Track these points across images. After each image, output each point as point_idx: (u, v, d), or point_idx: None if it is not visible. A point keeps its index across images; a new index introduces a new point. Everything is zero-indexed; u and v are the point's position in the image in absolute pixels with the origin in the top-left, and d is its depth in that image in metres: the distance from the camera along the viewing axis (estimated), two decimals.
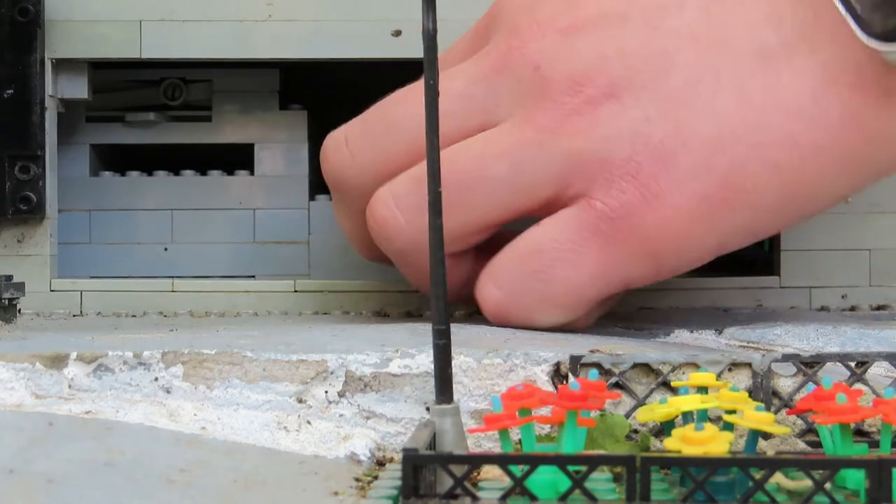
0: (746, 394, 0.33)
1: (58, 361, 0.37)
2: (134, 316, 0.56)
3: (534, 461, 0.28)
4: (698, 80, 0.45)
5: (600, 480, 0.31)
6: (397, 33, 0.56)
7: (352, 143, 0.50)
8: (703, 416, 0.33)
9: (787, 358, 0.36)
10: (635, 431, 0.36)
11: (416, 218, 0.48)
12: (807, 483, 0.30)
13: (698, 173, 0.45)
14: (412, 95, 0.49)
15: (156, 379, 0.37)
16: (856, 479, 0.31)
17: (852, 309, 0.58)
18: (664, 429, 0.34)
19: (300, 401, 0.36)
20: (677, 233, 0.46)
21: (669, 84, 0.46)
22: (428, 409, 0.36)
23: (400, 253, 0.49)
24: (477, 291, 0.48)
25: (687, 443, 0.29)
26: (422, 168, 0.47)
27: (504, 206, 0.47)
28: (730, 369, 0.37)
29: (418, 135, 0.47)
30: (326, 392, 0.37)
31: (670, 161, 0.45)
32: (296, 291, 0.57)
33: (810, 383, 0.36)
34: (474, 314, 0.56)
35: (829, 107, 0.44)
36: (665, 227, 0.45)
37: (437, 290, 0.32)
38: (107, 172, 0.61)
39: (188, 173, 0.61)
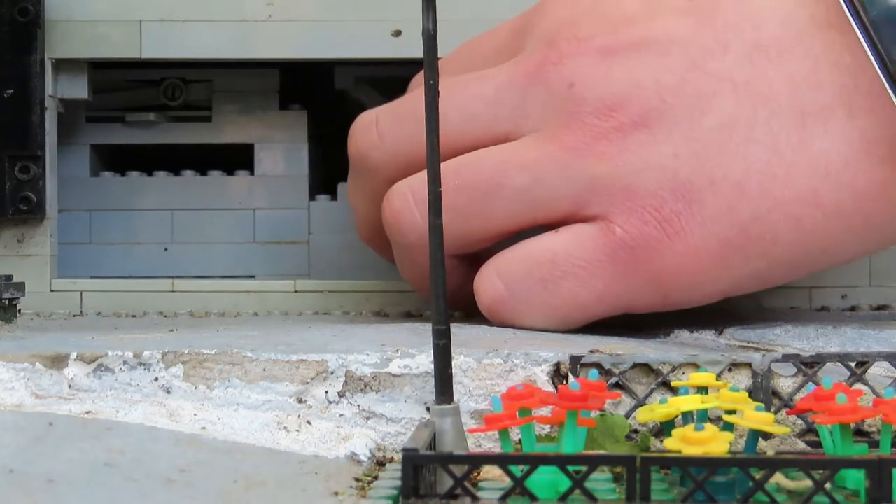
0: (746, 394, 0.33)
1: (58, 361, 0.37)
2: (134, 316, 0.56)
3: (534, 461, 0.28)
4: (732, 125, 0.45)
5: (600, 480, 0.31)
6: (397, 33, 0.56)
7: (381, 125, 0.51)
8: (703, 416, 0.33)
9: (787, 358, 0.36)
10: (635, 431, 0.36)
11: (424, 211, 0.48)
12: (807, 483, 0.30)
13: (721, 217, 0.45)
14: (449, 91, 0.48)
15: (156, 379, 0.37)
16: (856, 479, 0.31)
17: (852, 309, 0.58)
18: (664, 429, 0.34)
19: (300, 401, 0.36)
20: (692, 272, 0.46)
21: (703, 124, 0.46)
22: (428, 409, 0.36)
23: (410, 248, 0.49)
24: (478, 282, 0.48)
25: (687, 443, 0.29)
26: (448, 169, 0.47)
27: (520, 217, 0.47)
28: (730, 369, 0.37)
29: (445, 129, 0.48)
30: (326, 392, 0.37)
31: (695, 201, 0.45)
32: (296, 291, 0.57)
33: (810, 383, 0.36)
34: (474, 315, 0.56)
35: (858, 173, 0.45)
36: (681, 265, 0.46)
37: (437, 290, 0.32)
38: (107, 172, 0.61)
39: (188, 173, 0.61)
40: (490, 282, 0.48)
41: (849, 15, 0.44)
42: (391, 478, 0.32)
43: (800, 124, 0.45)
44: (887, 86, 0.44)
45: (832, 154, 0.45)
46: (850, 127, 0.45)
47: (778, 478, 0.31)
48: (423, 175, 0.48)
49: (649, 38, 0.47)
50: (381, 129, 0.50)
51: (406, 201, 0.48)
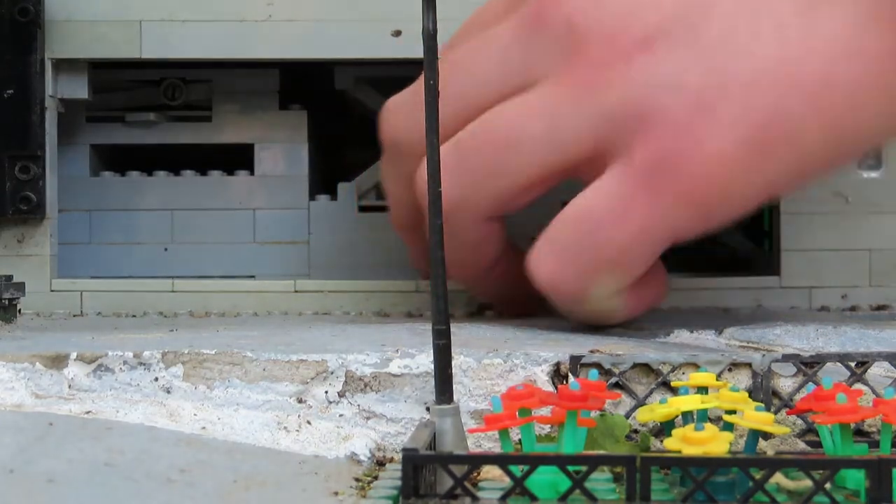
0: (746, 394, 0.33)
1: (58, 361, 0.37)
2: (134, 316, 0.56)
3: (534, 461, 0.28)
4: (736, 25, 0.45)
5: (600, 480, 0.31)
6: (397, 33, 0.56)
7: (406, 106, 0.50)
8: (703, 416, 0.33)
9: (787, 358, 0.36)
10: (635, 431, 0.36)
11: (459, 180, 0.47)
12: (807, 483, 0.30)
13: (739, 118, 0.44)
14: (459, 63, 0.49)
15: (156, 379, 0.37)
16: (856, 479, 0.31)
17: (852, 309, 0.58)
18: (664, 429, 0.34)
19: (300, 401, 0.36)
20: (722, 179, 0.45)
21: (707, 33, 0.45)
22: (428, 409, 0.36)
23: (444, 221, 0.49)
24: (531, 263, 0.47)
25: (687, 443, 0.29)
26: (467, 132, 0.48)
27: (547, 166, 0.47)
28: (730, 369, 0.37)
29: (465, 103, 0.48)
30: (326, 392, 0.37)
31: (709, 108, 0.44)
32: (296, 291, 0.57)
33: (810, 383, 0.36)
34: (474, 314, 0.56)
35: (870, 44, 0.44)
36: (709, 174, 0.45)
37: (437, 290, 0.32)
38: (107, 172, 0.61)
39: (188, 173, 0.61)
40: (541, 258, 0.47)
41: None
42: (391, 478, 0.32)
43: (803, 9, 0.44)
44: None
45: (841, 29, 0.44)
46: (853, 2, 0.44)
47: (778, 478, 0.31)
48: (445, 146, 0.47)
49: None
50: (406, 111, 0.50)
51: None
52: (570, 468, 0.28)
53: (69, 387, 0.37)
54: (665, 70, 0.45)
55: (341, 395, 0.37)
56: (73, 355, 0.37)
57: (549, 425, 0.36)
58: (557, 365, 0.37)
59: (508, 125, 0.47)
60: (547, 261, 0.47)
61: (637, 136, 0.45)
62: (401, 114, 0.51)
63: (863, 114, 0.45)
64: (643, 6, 0.46)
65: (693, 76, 0.45)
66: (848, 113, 0.45)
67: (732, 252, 0.62)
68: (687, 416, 0.33)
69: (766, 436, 0.34)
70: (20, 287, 0.49)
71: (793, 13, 0.44)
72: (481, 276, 0.52)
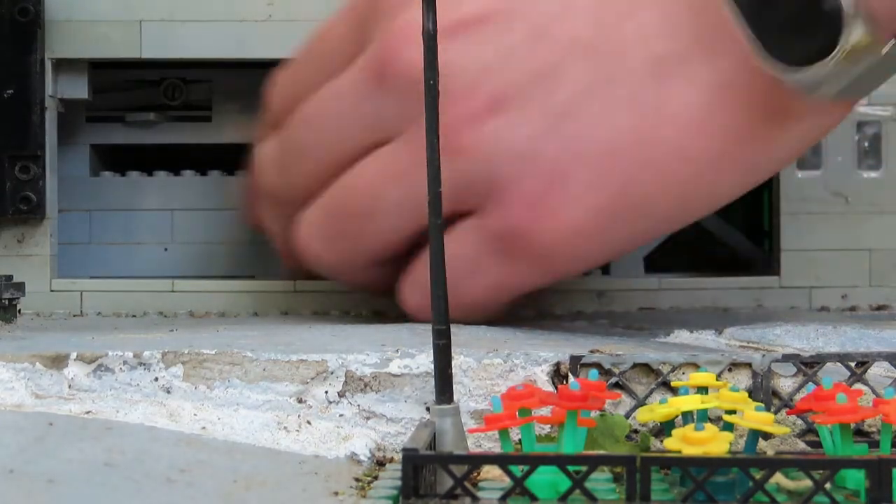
0: (746, 394, 0.33)
1: (58, 361, 0.37)
2: (134, 316, 0.56)
3: (534, 461, 0.28)
4: (589, 92, 0.44)
5: (600, 480, 0.31)
6: None
7: (273, 164, 0.51)
8: (703, 416, 0.33)
9: (787, 358, 0.36)
10: (635, 431, 0.36)
11: (332, 245, 0.48)
12: (807, 483, 0.30)
13: (592, 188, 0.44)
14: (313, 119, 0.49)
15: (156, 379, 0.37)
16: (856, 479, 0.31)
17: (852, 309, 0.58)
18: (664, 429, 0.34)
19: (300, 401, 0.36)
20: (574, 246, 0.45)
21: (559, 97, 0.44)
22: (428, 409, 0.36)
23: (327, 274, 0.50)
24: (400, 294, 0.49)
25: (687, 443, 0.29)
26: (329, 196, 0.48)
27: (410, 225, 0.47)
28: (730, 369, 0.37)
29: (328, 159, 0.48)
30: (326, 392, 0.37)
31: (563, 177, 0.44)
32: (296, 291, 0.57)
33: (810, 383, 0.36)
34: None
35: (724, 119, 0.44)
36: (560, 241, 0.45)
37: (437, 290, 0.32)
38: (107, 172, 0.61)
39: (188, 173, 0.61)
40: (409, 293, 0.48)
41: None
42: (391, 478, 0.32)
43: (659, 78, 0.44)
44: (741, 26, 0.41)
45: (695, 104, 0.44)
46: (709, 73, 0.43)
47: (778, 478, 0.31)
48: (314, 209, 0.49)
49: (489, 11, 0.45)
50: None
51: (306, 236, 0.49)
52: (570, 468, 0.28)
53: (69, 387, 0.37)
54: (517, 136, 0.44)
55: (341, 395, 0.37)
56: (73, 355, 0.37)
57: (549, 425, 0.36)
58: (557, 365, 0.37)
59: (368, 193, 0.47)
60: (413, 296, 0.48)
61: (490, 202, 0.45)
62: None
63: (714, 184, 0.45)
64: (491, 66, 0.45)
65: (547, 144, 0.44)
66: (700, 184, 0.45)
67: (732, 252, 0.62)
68: (687, 416, 0.33)
69: (766, 436, 0.34)
70: (20, 287, 0.49)
71: (647, 84, 0.44)
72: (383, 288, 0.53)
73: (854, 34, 0.40)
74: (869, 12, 0.40)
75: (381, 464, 0.35)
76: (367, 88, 0.46)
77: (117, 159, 0.62)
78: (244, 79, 0.60)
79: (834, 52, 0.40)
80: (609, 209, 0.45)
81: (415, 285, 0.48)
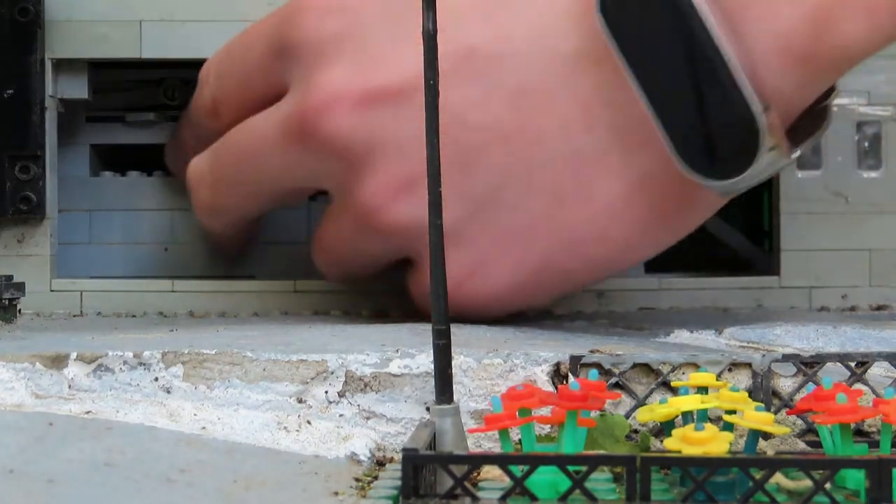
0: (746, 394, 0.33)
1: (58, 361, 0.37)
2: (134, 316, 0.56)
3: (534, 461, 0.28)
4: (509, 179, 0.45)
5: (600, 480, 0.31)
6: None
7: (208, 184, 0.52)
8: (703, 416, 0.33)
9: (787, 358, 0.36)
10: (635, 431, 0.36)
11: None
12: (807, 483, 0.30)
13: (511, 270, 0.46)
14: (241, 156, 0.50)
15: (156, 379, 0.37)
16: (856, 479, 0.31)
17: (852, 309, 0.58)
18: (664, 429, 0.34)
19: (300, 401, 0.36)
20: (488, 307, 0.48)
21: (478, 183, 0.45)
22: (428, 409, 0.36)
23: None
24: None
25: (687, 443, 0.29)
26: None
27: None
28: (730, 369, 0.37)
29: (258, 190, 0.51)
30: (326, 392, 0.37)
31: (484, 262, 0.46)
32: (296, 291, 0.57)
33: (810, 383, 0.36)
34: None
35: (640, 208, 0.45)
36: (478, 304, 0.47)
37: (437, 290, 0.32)
38: (107, 172, 0.61)
39: None
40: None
41: (613, 48, 0.43)
42: (391, 478, 0.32)
43: (578, 168, 0.45)
44: (654, 120, 0.43)
45: (613, 193, 0.45)
46: (627, 166, 0.45)
47: (778, 478, 0.31)
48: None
49: (403, 86, 0.45)
50: (211, 189, 0.52)
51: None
52: (570, 468, 0.28)
53: (69, 387, 0.37)
54: (451, 216, 0.45)
55: (341, 395, 0.37)
56: (73, 355, 0.37)
57: (549, 425, 0.36)
58: (557, 365, 0.37)
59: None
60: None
61: (416, 269, 0.48)
62: (203, 189, 0.53)
63: (629, 259, 0.48)
64: (404, 146, 0.45)
65: (466, 227, 0.46)
66: (614, 262, 0.48)
67: (732, 252, 0.62)
68: (687, 416, 0.33)
69: (766, 436, 0.34)
70: (20, 287, 0.49)
71: (566, 173, 0.45)
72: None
73: (767, 154, 0.42)
74: (779, 132, 0.43)
75: (381, 464, 0.35)
76: (292, 145, 0.47)
77: (117, 159, 0.62)
78: None
79: (750, 168, 0.43)
80: (528, 283, 0.47)
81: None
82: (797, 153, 0.44)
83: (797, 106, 0.44)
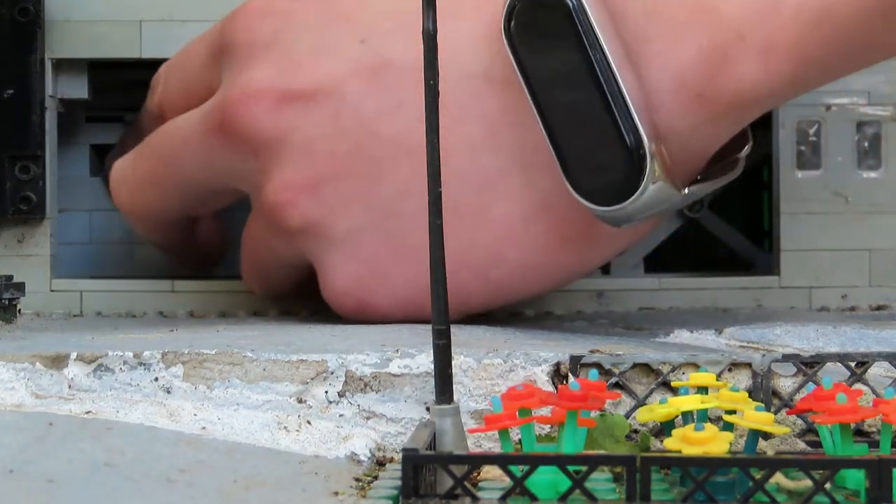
0: (746, 394, 0.33)
1: (58, 361, 0.37)
2: (134, 316, 0.56)
3: (534, 461, 0.28)
4: (412, 193, 0.46)
5: (600, 480, 0.31)
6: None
7: (129, 184, 0.53)
8: (703, 416, 0.33)
9: (787, 358, 0.36)
10: (635, 431, 0.36)
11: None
12: (807, 483, 0.30)
13: (408, 284, 0.47)
14: (161, 150, 0.51)
15: (156, 379, 0.37)
16: (856, 479, 0.31)
17: (852, 309, 0.58)
18: (664, 429, 0.34)
19: (300, 401, 0.36)
20: (381, 319, 0.48)
21: (382, 192, 0.46)
22: (428, 409, 0.36)
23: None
24: (327, 294, 0.51)
25: (687, 443, 0.29)
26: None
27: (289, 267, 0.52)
28: (730, 369, 0.37)
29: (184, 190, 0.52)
30: (326, 392, 0.37)
31: (383, 272, 0.47)
32: (296, 291, 0.57)
33: (810, 383, 0.36)
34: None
35: (539, 232, 0.46)
36: (371, 317, 0.48)
37: (437, 290, 0.32)
38: None
39: None
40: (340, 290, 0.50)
41: (517, 72, 0.44)
42: (391, 478, 0.32)
43: (480, 188, 0.46)
44: (548, 142, 0.44)
45: (513, 216, 0.46)
46: (528, 188, 0.45)
47: (778, 478, 0.31)
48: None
49: (316, 91, 0.46)
50: (128, 194, 0.53)
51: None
52: (570, 468, 0.28)
53: (69, 387, 0.37)
54: (339, 223, 0.47)
55: (341, 395, 0.37)
56: (73, 355, 0.37)
57: (549, 425, 0.36)
58: (557, 365, 0.37)
59: (249, 244, 0.51)
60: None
61: (320, 273, 0.49)
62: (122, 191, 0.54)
63: (527, 286, 0.48)
64: (317, 149, 0.46)
65: (366, 237, 0.47)
66: (513, 285, 0.48)
67: (732, 252, 0.62)
68: (687, 416, 0.33)
69: (766, 436, 0.34)
70: (20, 287, 0.49)
71: (468, 192, 0.46)
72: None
73: (654, 186, 0.43)
74: (668, 167, 0.43)
75: (381, 464, 0.35)
76: (208, 137, 0.48)
77: None
78: None
79: (634, 196, 0.43)
80: (422, 300, 0.46)
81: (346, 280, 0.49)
82: (690, 189, 0.45)
83: (696, 148, 0.45)
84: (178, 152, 0.50)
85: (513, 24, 0.43)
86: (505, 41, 0.44)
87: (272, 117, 0.46)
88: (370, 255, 0.47)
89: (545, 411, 0.33)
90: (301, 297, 0.55)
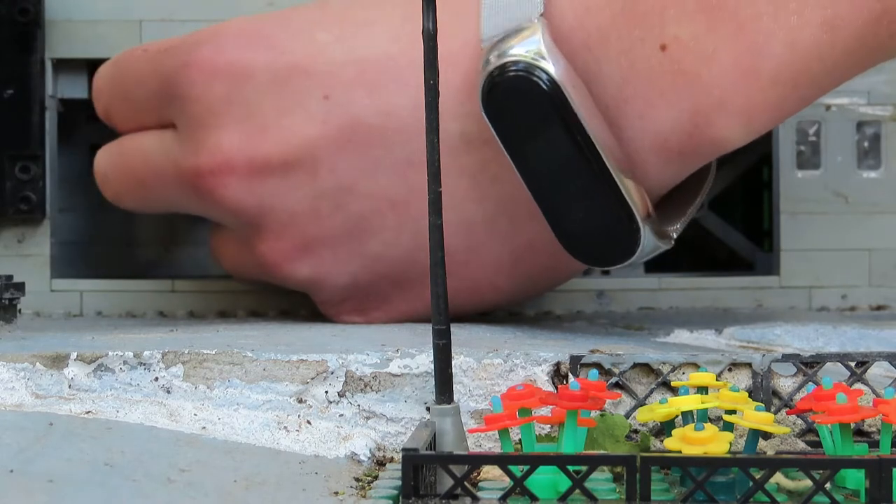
0: (746, 394, 0.33)
1: (58, 361, 0.37)
2: (134, 316, 0.56)
3: (534, 461, 0.28)
4: (398, 242, 0.46)
5: (600, 480, 0.31)
6: None
7: (111, 185, 0.52)
8: (703, 416, 0.33)
9: (787, 358, 0.36)
10: (635, 431, 0.36)
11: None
12: (807, 483, 0.30)
13: (407, 301, 0.48)
14: (129, 174, 0.51)
15: (156, 379, 0.37)
16: (856, 479, 0.31)
17: (852, 309, 0.58)
18: (664, 429, 0.34)
19: (300, 401, 0.36)
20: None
21: (371, 247, 0.47)
22: (428, 409, 0.36)
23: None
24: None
25: (687, 443, 0.29)
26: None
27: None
28: (730, 369, 0.37)
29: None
30: (326, 392, 0.37)
31: (384, 298, 0.48)
32: (296, 291, 0.57)
33: (810, 383, 0.36)
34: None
35: (531, 266, 0.47)
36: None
37: (437, 290, 0.32)
38: None
39: None
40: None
41: (499, 143, 0.44)
42: (391, 478, 0.32)
43: (468, 233, 0.46)
44: (532, 197, 0.44)
45: (503, 255, 0.47)
46: (515, 232, 0.46)
47: (778, 478, 0.31)
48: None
49: (289, 157, 0.46)
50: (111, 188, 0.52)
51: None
52: (570, 468, 0.28)
53: (69, 387, 0.37)
54: (333, 272, 0.48)
55: (341, 395, 0.37)
56: (73, 355, 0.37)
57: (549, 425, 0.36)
58: (557, 365, 0.37)
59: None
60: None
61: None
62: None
63: (512, 302, 0.51)
64: (301, 214, 0.46)
65: (364, 276, 0.48)
66: (501, 302, 0.50)
67: (732, 252, 0.62)
68: (687, 416, 0.33)
69: (766, 436, 0.34)
70: (20, 287, 0.49)
71: (457, 235, 0.46)
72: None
73: (647, 242, 0.44)
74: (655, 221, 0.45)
75: (381, 464, 0.35)
76: (187, 193, 0.48)
77: None
78: None
79: (632, 258, 0.44)
80: (421, 312, 0.48)
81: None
82: (675, 234, 0.46)
83: (667, 185, 0.46)
84: (153, 185, 0.49)
85: (490, 101, 0.43)
86: (483, 115, 0.43)
87: (245, 190, 0.46)
88: (371, 286, 0.48)
89: (545, 411, 0.33)
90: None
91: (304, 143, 0.46)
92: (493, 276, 0.48)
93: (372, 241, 0.47)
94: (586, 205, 0.43)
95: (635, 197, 0.44)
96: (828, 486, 0.28)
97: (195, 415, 0.35)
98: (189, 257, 0.60)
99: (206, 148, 0.46)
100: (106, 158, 0.52)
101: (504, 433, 0.31)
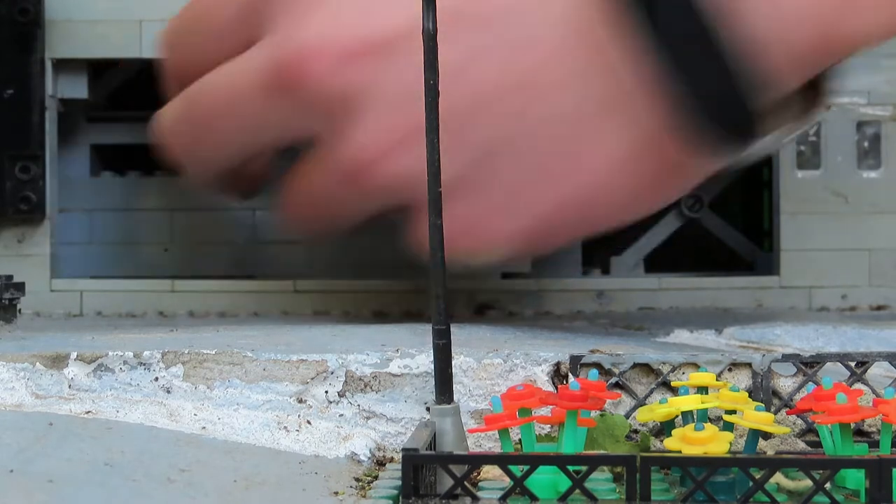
0: (746, 394, 0.33)
1: (58, 361, 0.37)
2: (134, 316, 0.56)
3: (534, 461, 0.28)
4: (511, 137, 0.44)
5: (600, 480, 0.31)
6: None
7: (174, 136, 0.50)
8: (703, 416, 0.33)
9: (787, 358, 0.36)
10: (635, 431, 0.36)
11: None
12: (807, 483, 0.30)
13: (515, 216, 0.45)
14: (210, 106, 0.49)
15: (156, 379, 0.37)
16: (856, 479, 0.31)
17: (852, 309, 0.58)
18: (664, 429, 0.34)
19: (300, 401, 0.36)
20: (487, 258, 0.47)
21: (479, 131, 0.44)
22: (428, 409, 0.36)
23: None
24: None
25: (687, 443, 0.29)
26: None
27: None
28: (730, 369, 0.37)
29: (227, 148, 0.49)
30: (326, 392, 0.37)
31: (484, 214, 0.45)
32: (296, 291, 0.57)
33: (810, 383, 0.36)
34: (474, 314, 0.56)
35: (636, 170, 0.45)
36: (479, 255, 0.46)
37: (437, 290, 0.32)
38: (107, 172, 0.61)
39: None
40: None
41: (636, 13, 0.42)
42: (391, 478, 0.32)
43: (577, 123, 0.44)
44: (673, 78, 0.42)
45: (615, 156, 0.44)
46: (628, 128, 0.44)
47: (778, 478, 0.31)
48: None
49: (390, 38, 0.44)
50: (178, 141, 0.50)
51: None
52: (570, 468, 0.28)
53: (69, 387, 0.37)
54: (450, 170, 0.43)
55: (341, 395, 0.37)
56: (73, 355, 0.37)
57: (549, 425, 0.36)
58: (557, 365, 0.37)
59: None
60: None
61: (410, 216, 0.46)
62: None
63: (622, 217, 0.47)
64: (409, 98, 0.43)
65: (469, 175, 0.44)
66: (610, 217, 0.47)
67: (732, 252, 0.62)
68: (687, 416, 0.33)
69: (766, 436, 0.34)
70: (20, 287, 0.49)
71: (570, 134, 0.44)
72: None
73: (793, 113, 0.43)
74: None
75: (381, 464, 0.35)
76: (269, 95, 0.46)
77: (117, 159, 0.62)
78: None
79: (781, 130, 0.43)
80: (528, 231, 0.46)
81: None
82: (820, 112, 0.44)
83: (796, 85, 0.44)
84: (232, 106, 0.47)
85: None
86: None
87: (340, 73, 0.44)
88: (474, 195, 0.45)
89: (545, 411, 0.33)
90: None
91: (407, 23, 0.43)
92: (597, 186, 0.45)
93: (479, 129, 0.44)
94: (722, 69, 0.41)
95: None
96: (828, 486, 0.28)
97: (195, 415, 0.35)
98: (189, 257, 0.60)
99: (295, 36, 0.44)
100: (170, 113, 0.50)
101: (504, 433, 0.31)
